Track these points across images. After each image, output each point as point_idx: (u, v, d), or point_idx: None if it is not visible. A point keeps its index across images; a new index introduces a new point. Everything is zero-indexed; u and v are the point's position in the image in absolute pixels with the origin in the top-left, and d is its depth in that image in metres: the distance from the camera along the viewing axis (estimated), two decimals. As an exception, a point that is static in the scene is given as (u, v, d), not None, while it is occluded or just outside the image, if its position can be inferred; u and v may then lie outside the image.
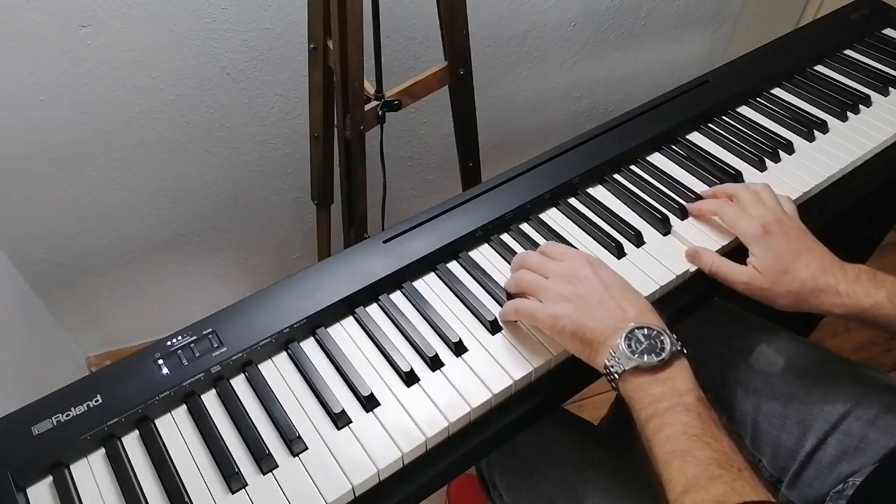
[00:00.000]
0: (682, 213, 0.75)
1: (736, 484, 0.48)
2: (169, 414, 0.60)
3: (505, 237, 0.74)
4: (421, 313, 0.67)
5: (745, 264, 0.67)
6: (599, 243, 0.73)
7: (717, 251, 0.71)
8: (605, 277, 0.61)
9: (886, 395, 0.73)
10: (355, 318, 0.66)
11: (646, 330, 0.56)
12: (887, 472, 0.66)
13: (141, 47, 1.01)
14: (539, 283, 0.62)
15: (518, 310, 0.63)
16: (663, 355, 0.55)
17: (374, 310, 0.67)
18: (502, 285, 0.68)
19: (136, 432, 0.58)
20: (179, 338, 0.62)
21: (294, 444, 0.57)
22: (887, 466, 0.67)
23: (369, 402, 0.60)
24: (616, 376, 0.56)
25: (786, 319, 0.85)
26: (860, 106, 0.89)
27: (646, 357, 0.55)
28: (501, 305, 0.67)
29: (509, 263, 0.71)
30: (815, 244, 0.67)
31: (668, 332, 0.57)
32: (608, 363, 0.56)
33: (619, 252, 0.71)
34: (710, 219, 0.74)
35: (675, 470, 0.50)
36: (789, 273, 0.65)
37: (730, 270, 0.68)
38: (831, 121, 0.87)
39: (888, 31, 1.01)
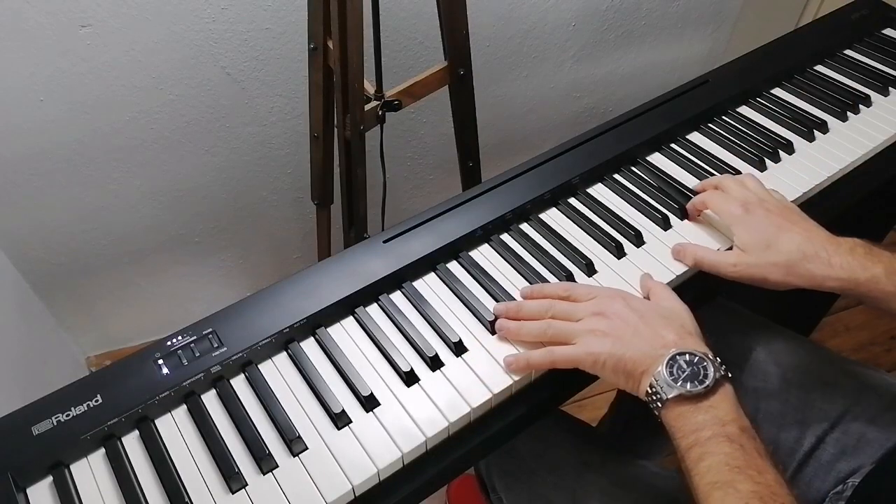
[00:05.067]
0: (682, 213, 0.75)
1: None
2: (169, 414, 0.60)
3: (505, 237, 0.74)
4: (421, 313, 0.67)
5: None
6: (599, 243, 0.73)
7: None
8: (638, 306, 0.60)
9: (885, 394, 0.73)
10: (355, 318, 0.66)
11: (688, 356, 0.55)
12: (884, 474, 0.66)
13: (141, 47, 1.01)
14: (570, 329, 0.60)
15: (555, 359, 0.60)
16: (707, 382, 0.53)
17: (374, 310, 0.67)
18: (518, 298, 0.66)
19: (136, 432, 0.58)
20: (179, 338, 0.62)
21: (294, 444, 0.57)
22: (884, 468, 0.67)
23: (369, 402, 0.60)
24: (659, 405, 0.55)
25: (786, 319, 0.86)
26: (860, 106, 0.89)
27: (689, 385, 0.53)
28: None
29: (509, 263, 0.71)
30: (801, 219, 0.67)
31: (711, 356, 0.55)
32: (650, 391, 0.55)
33: (619, 252, 0.71)
34: (705, 218, 0.74)
35: (714, 502, 0.49)
36: (772, 246, 0.64)
37: (715, 258, 0.67)
38: (831, 121, 0.87)
39: (888, 31, 1.01)
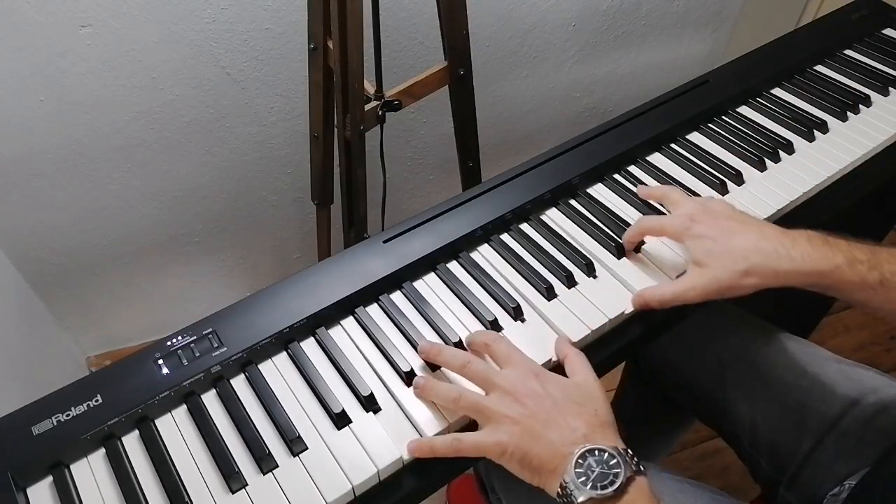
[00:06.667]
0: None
1: None
2: (169, 414, 0.60)
3: (505, 237, 0.74)
4: (421, 313, 0.67)
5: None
6: (599, 243, 0.73)
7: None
8: (553, 390, 0.56)
9: (883, 395, 0.73)
10: (355, 318, 0.66)
11: (597, 453, 0.51)
12: (880, 476, 0.66)
13: (141, 47, 1.01)
14: (482, 406, 0.56)
15: (461, 448, 0.55)
16: (617, 483, 0.49)
17: (374, 310, 0.67)
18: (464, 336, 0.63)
19: (136, 432, 0.58)
20: (179, 338, 0.62)
21: (294, 444, 0.57)
22: (880, 470, 0.67)
23: (369, 403, 0.60)
24: None
25: (786, 320, 0.86)
26: (860, 106, 0.89)
27: (599, 487, 0.49)
28: (502, 306, 0.67)
29: (509, 263, 0.71)
30: (751, 218, 0.64)
31: (621, 450, 0.51)
32: (561, 493, 0.51)
33: (618, 252, 0.71)
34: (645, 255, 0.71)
35: None
36: (728, 252, 0.61)
37: (674, 289, 0.63)
38: (831, 121, 0.87)
39: (888, 31, 1.01)
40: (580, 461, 0.51)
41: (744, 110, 0.89)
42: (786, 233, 0.62)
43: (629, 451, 0.52)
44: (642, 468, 0.52)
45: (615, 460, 0.51)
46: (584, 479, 0.50)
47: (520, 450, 0.53)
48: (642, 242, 0.72)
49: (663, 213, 0.74)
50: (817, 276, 0.60)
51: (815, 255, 0.60)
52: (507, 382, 0.56)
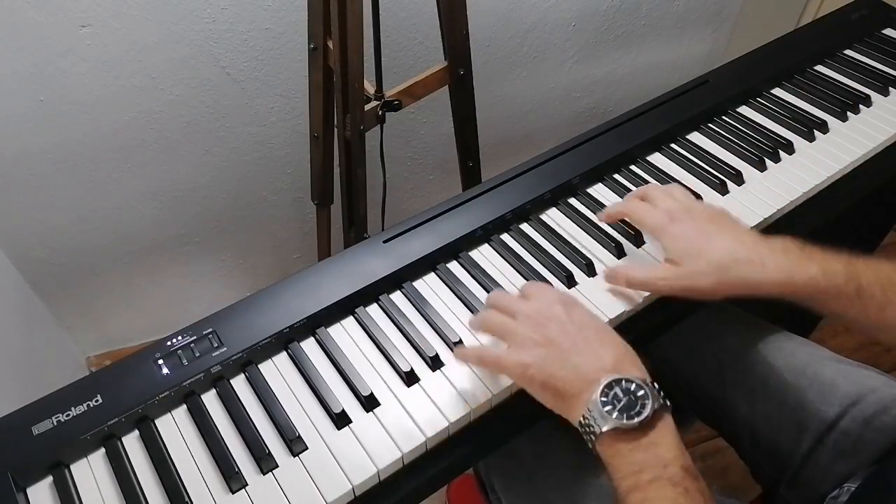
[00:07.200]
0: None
1: None
2: (169, 414, 0.60)
3: (505, 237, 0.74)
4: (421, 313, 0.67)
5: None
6: (599, 243, 0.73)
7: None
8: (578, 318, 0.56)
9: (883, 394, 0.73)
10: (355, 318, 0.66)
11: (624, 383, 0.50)
12: (881, 479, 0.66)
13: (141, 47, 1.01)
14: (506, 326, 0.57)
15: (482, 358, 0.57)
16: (645, 414, 0.49)
17: (374, 310, 0.67)
18: (482, 300, 0.65)
19: (136, 432, 0.58)
20: (179, 338, 0.62)
21: (294, 444, 0.57)
22: (881, 474, 0.67)
23: (369, 402, 0.60)
24: (593, 437, 0.50)
25: (785, 320, 0.86)
26: (860, 106, 0.89)
27: (625, 417, 0.49)
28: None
29: (509, 263, 0.71)
30: (731, 224, 0.64)
31: (649, 383, 0.51)
32: (583, 421, 0.50)
33: (618, 252, 0.71)
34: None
35: None
36: (702, 254, 0.61)
37: (644, 275, 0.64)
38: (831, 121, 0.87)
39: (888, 31, 1.01)
40: (606, 390, 0.50)
41: (744, 110, 0.89)
42: (762, 241, 0.62)
43: (656, 384, 0.51)
44: (668, 403, 0.50)
45: (643, 391, 0.49)
46: (609, 407, 0.49)
47: (543, 372, 0.53)
48: (643, 242, 0.72)
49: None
50: (791, 288, 0.59)
51: (789, 266, 0.59)
52: (530, 308, 0.57)
